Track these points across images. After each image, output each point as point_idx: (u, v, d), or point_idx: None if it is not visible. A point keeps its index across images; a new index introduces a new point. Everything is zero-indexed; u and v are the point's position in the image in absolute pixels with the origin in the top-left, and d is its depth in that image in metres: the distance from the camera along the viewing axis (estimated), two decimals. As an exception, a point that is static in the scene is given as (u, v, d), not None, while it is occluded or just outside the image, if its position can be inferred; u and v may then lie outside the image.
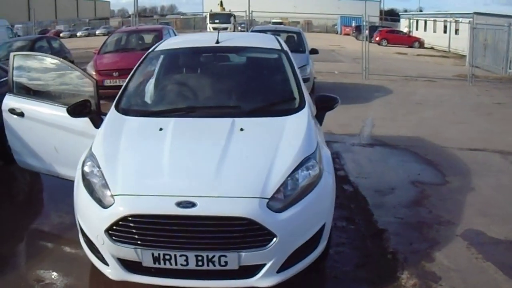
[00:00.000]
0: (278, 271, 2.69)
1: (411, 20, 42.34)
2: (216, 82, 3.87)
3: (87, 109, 3.63)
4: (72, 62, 9.93)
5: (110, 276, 2.79)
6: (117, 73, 9.26)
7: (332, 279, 3.27)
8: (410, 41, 34.52)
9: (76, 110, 3.61)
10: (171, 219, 2.57)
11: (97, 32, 42.55)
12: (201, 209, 2.56)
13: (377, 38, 32.91)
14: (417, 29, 39.41)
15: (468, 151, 6.25)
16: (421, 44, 34.38)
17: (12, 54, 4.50)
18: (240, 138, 3.07)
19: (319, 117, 3.77)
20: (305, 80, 9.95)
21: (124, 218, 2.62)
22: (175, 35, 13.03)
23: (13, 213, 4.42)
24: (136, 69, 3.99)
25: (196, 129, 3.29)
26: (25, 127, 4.25)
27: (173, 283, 2.70)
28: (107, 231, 2.66)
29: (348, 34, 46.02)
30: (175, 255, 2.59)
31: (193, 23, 51.14)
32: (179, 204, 2.57)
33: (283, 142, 3.04)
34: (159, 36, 10.97)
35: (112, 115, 3.50)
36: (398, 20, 48.39)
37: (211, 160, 2.85)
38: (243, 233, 2.57)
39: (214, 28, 35.28)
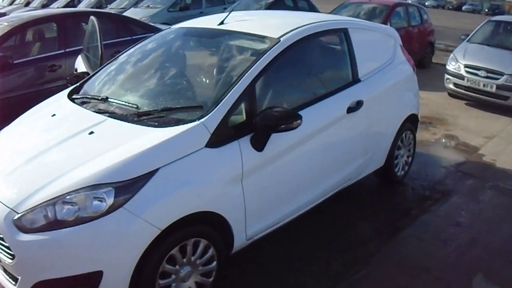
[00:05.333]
0: None
1: None
2: (157, 74, 3.26)
3: (80, 80, 3.76)
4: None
5: None
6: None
7: None
8: None
9: (72, 81, 3.80)
10: None
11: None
12: None
13: None
14: None
15: None
16: None
17: (91, 17, 4.94)
18: (73, 142, 2.68)
19: (256, 140, 2.76)
20: None
21: None
22: (422, 18, 11.01)
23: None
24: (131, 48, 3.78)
25: (66, 122, 2.97)
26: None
27: None
28: None
29: None
30: None
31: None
32: None
33: (99, 159, 2.46)
34: (384, 18, 9.59)
35: (57, 95, 3.48)
36: None
37: (23, 158, 2.65)
38: None
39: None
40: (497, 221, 4.00)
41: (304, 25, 3.40)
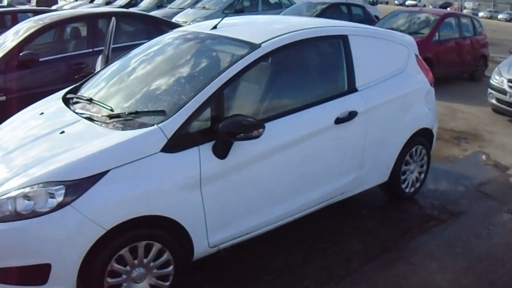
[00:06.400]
0: None
1: None
2: (139, 77, 3.32)
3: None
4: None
5: None
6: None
7: None
8: None
9: (79, 80, 3.98)
10: None
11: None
12: None
13: None
14: None
15: None
16: None
17: (113, 18, 5.11)
18: (45, 140, 2.84)
19: (218, 148, 2.74)
20: None
21: None
22: (475, 29, 10.29)
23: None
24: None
25: (48, 120, 3.13)
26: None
27: None
28: None
29: None
30: None
31: None
32: None
33: (59, 157, 2.57)
34: (433, 28, 9.16)
35: (56, 94, 3.63)
36: None
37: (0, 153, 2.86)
38: None
39: None
40: (504, 248, 3.68)
41: (293, 31, 3.32)
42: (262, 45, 3.09)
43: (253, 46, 3.09)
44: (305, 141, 3.19)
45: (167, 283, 2.79)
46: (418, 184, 4.46)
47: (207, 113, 2.77)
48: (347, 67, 3.58)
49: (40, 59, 5.29)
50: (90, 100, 3.19)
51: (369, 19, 12.93)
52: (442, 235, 3.83)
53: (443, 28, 9.32)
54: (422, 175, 4.49)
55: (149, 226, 2.62)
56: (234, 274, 3.20)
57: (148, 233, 2.62)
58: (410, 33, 9.21)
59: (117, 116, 2.86)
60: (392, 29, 9.65)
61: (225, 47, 3.28)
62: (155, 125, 2.65)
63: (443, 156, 5.64)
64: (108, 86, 3.39)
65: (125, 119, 2.82)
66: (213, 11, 13.96)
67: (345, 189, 3.71)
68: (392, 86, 3.91)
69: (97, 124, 2.85)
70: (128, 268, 2.61)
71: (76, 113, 3.07)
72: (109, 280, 2.56)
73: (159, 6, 17.46)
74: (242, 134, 2.69)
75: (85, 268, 2.46)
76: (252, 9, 15.04)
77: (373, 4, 19.65)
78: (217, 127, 2.69)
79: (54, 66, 5.47)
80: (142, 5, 17.91)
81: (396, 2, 35.03)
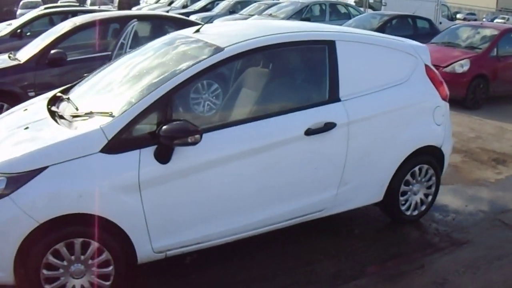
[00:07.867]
0: None
1: None
2: (114, 78, 3.37)
3: None
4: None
5: None
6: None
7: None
8: None
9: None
10: None
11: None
12: None
13: None
14: None
15: None
16: None
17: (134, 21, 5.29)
18: (10, 135, 3.00)
19: (158, 152, 2.72)
20: None
21: None
22: None
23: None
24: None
25: (24, 116, 3.26)
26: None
27: None
28: None
29: None
30: None
31: None
32: None
33: (10, 151, 2.70)
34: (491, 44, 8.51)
35: (47, 93, 3.81)
36: None
37: None
38: None
39: None
40: (499, 287, 3.26)
41: (265, 35, 3.20)
42: (226, 49, 3.02)
43: (217, 50, 3.03)
44: (267, 151, 3.06)
45: (108, 283, 2.81)
46: (423, 207, 4.10)
47: (154, 117, 2.77)
48: (330, 75, 3.36)
49: (69, 59, 5.62)
50: (68, 99, 3.32)
51: (435, 33, 12.27)
52: (431, 266, 3.49)
53: (503, 44, 8.68)
54: (430, 198, 4.12)
55: (86, 224, 2.66)
56: (189, 283, 3.15)
57: (85, 231, 2.67)
58: (468, 48, 8.78)
59: (78, 116, 2.95)
60: (449, 43, 9.17)
61: (195, 50, 3.23)
62: (99, 126, 2.69)
63: (473, 178, 5.17)
64: (88, 87, 3.50)
65: (83, 119, 2.90)
66: (278, 19, 14.07)
67: (325, 206, 3.50)
68: (387, 97, 3.62)
69: (59, 122, 2.95)
70: (65, 263, 2.67)
71: (50, 111, 3.19)
72: (45, 272, 2.64)
73: (231, 12, 17.93)
74: (177, 140, 2.66)
75: (22, 258, 2.56)
76: (320, 19, 14.89)
77: (451, 19, 18.68)
78: (158, 131, 2.68)
79: (83, 66, 5.76)
80: (216, 10, 18.50)
81: (484, 19, 32.73)
